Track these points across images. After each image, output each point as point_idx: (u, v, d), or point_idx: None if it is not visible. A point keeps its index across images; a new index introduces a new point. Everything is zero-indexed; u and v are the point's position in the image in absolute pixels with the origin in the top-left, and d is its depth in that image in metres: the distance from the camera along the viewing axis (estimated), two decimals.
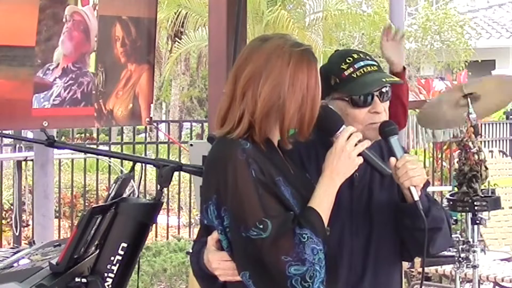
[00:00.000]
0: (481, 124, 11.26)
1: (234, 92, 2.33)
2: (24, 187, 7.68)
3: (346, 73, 2.49)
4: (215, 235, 2.32)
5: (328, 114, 2.39)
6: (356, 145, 2.33)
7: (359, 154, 2.34)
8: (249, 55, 2.34)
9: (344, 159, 2.32)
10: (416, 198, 2.39)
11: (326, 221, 2.29)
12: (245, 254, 2.23)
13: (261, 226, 2.19)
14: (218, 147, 2.34)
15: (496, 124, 12.93)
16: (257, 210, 2.21)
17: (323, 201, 2.30)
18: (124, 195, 3.04)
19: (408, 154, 2.44)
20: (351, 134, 2.34)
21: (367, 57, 2.55)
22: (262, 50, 2.33)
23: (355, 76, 2.48)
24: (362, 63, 2.51)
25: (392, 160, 2.42)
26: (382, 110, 2.50)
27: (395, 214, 2.50)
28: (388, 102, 2.54)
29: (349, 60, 2.51)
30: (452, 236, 4.17)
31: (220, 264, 2.31)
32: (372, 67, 2.51)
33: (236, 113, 2.31)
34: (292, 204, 2.28)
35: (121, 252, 2.84)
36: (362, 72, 2.49)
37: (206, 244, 2.36)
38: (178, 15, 13.68)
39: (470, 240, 4.42)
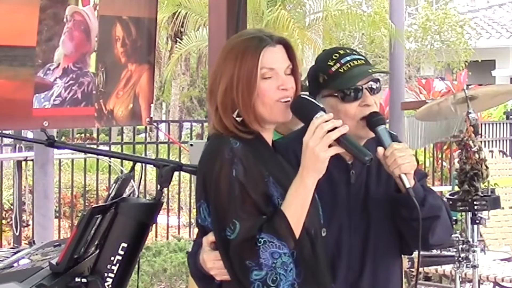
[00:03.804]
0: (481, 124, 11.26)
1: None
2: (24, 187, 7.68)
3: (333, 69, 2.49)
4: (210, 236, 2.32)
5: (301, 105, 2.33)
6: (325, 135, 2.20)
7: (337, 141, 2.22)
8: None
9: (309, 156, 2.22)
10: (408, 185, 2.37)
11: (298, 223, 2.23)
12: (223, 253, 2.24)
13: (232, 227, 2.19)
14: (208, 146, 2.35)
15: (496, 124, 12.94)
16: (232, 210, 2.20)
17: (292, 202, 2.24)
18: (124, 195, 3.04)
19: (396, 142, 2.43)
20: (317, 127, 2.22)
21: (354, 52, 2.54)
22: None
23: (342, 71, 2.48)
24: (348, 58, 2.50)
25: (380, 149, 2.40)
26: (372, 103, 2.49)
27: (392, 206, 2.50)
28: (378, 96, 2.53)
29: (335, 56, 2.51)
30: (452, 235, 4.19)
31: (215, 263, 2.31)
32: (358, 61, 2.50)
33: None
34: (279, 205, 2.25)
35: (121, 252, 2.84)
36: (349, 66, 2.48)
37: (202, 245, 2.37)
38: (178, 15, 13.66)
39: (470, 240, 4.42)
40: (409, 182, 2.38)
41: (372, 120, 2.45)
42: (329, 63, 2.50)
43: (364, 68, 2.49)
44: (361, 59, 2.52)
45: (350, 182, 2.53)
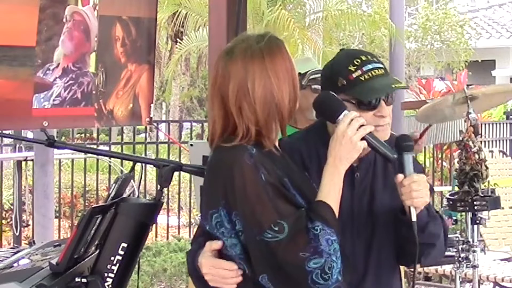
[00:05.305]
0: (481, 124, 11.26)
1: (227, 110, 2.32)
2: (24, 187, 7.68)
3: (354, 75, 2.47)
4: (214, 243, 2.32)
5: (329, 99, 2.40)
6: (358, 129, 2.31)
7: (363, 139, 2.32)
8: (226, 72, 2.32)
9: (345, 144, 2.30)
10: (414, 219, 2.37)
11: (337, 210, 2.28)
12: (261, 257, 2.23)
13: (276, 229, 2.19)
14: (222, 153, 2.31)
15: (496, 124, 12.93)
16: (271, 213, 2.20)
17: (330, 190, 2.29)
18: (124, 195, 3.04)
19: (416, 174, 2.40)
20: (352, 119, 2.32)
21: (374, 59, 2.52)
22: (235, 60, 2.33)
23: (363, 79, 2.46)
24: (370, 66, 2.48)
25: (400, 176, 2.39)
26: (387, 114, 2.49)
27: (394, 219, 2.50)
28: (392, 106, 2.54)
29: (357, 62, 2.49)
30: (452, 236, 4.19)
31: (211, 270, 2.32)
32: (379, 70, 2.49)
33: (240, 129, 2.29)
34: (301, 203, 2.28)
35: (121, 252, 2.84)
36: (370, 75, 2.47)
37: (203, 245, 2.36)
38: (178, 15, 13.66)
39: (470, 240, 4.42)
40: (415, 216, 2.38)
41: (403, 145, 2.42)
42: (350, 68, 2.48)
43: (385, 81, 2.48)
44: (381, 68, 2.50)
45: (354, 185, 2.52)
